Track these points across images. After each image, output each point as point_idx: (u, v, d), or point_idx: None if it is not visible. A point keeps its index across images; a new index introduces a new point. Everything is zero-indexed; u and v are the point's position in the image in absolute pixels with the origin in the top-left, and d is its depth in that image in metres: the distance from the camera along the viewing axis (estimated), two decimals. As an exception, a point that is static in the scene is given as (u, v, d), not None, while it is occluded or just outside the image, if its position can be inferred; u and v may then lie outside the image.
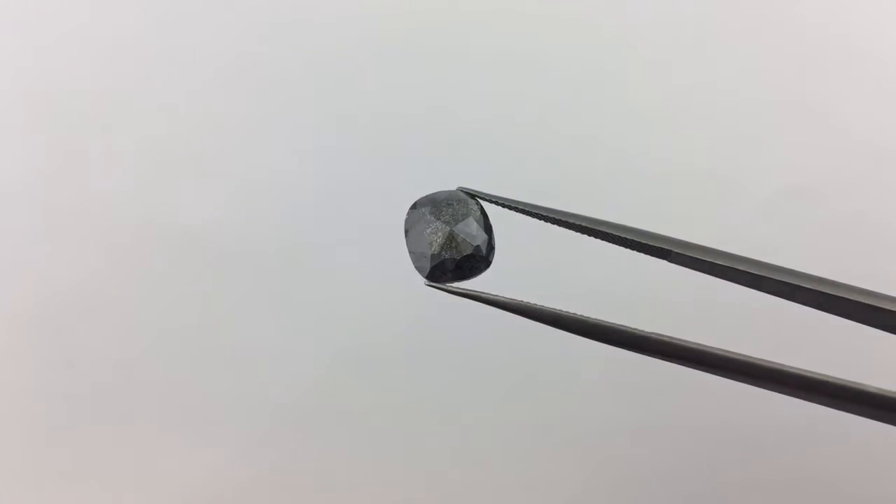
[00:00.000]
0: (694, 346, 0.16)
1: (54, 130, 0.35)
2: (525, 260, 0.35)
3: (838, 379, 0.15)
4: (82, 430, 0.37)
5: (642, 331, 0.16)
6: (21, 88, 0.35)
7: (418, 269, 0.19)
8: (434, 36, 0.35)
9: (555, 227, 0.18)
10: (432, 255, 0.18)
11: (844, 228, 0.36)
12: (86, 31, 0.35)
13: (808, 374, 0.15)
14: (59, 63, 0.35)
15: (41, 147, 0.35)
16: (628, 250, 0.18)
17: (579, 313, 0.16)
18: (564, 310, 0.17)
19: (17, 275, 0.36)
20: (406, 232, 0.19)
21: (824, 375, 0.15)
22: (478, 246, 0.18)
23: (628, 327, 0.16)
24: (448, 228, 0.18)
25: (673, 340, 0.16)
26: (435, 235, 0.18)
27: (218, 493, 0.37)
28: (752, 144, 0.36)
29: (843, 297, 0.16)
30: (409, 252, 0.19)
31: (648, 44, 0.36)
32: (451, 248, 0.18)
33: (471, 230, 0.18)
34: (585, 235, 0.18)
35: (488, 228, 0.19)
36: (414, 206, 0.19)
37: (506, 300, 0.17)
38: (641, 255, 0.17)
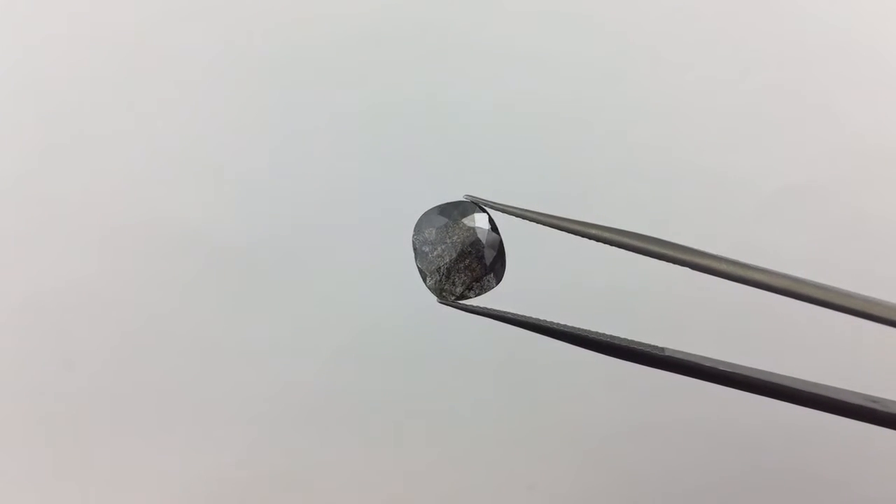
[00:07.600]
0: (705, 362, 0.16)
1: (53, 130, 0.35)
2: (534, 267, 0.35)
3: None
4: (82, 430, 0.37)
5: (657, 347, 0.16)
6: (19, 87, 0.35)
7: (429, 287, 0.18)
8: (437, 35, 0.35)
9: (565, 234, 0.18)
10: (441, 277, 0.18)
11: (845, 228, 0.36)
12: (84, 29, 0.35)
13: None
14: (58, 62, 0.35)
15: (40, 147, 0.35)
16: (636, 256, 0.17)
17: (592, 329, 0.17)
18: (578, 327, 0.17)
19: (16, 275, 0.36)
20: (415, 251, 0.18)
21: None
22: (488, 264, 0.18)
23: (644, 344, 0.16)
24: (457, 248, 0.18)
25: (686, 358, 0.16)
26: (443, 256, 0.18)
27: (218, 493, 0.37)
28: (752, 144, 0.36)
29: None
30: (419, 270, 0.18)
31: (650, 43, 0.36)
32: (461, 268, 0.18)
33: (480, 248, 0.18)
34: (596, 242, 0.18)
35: (498, 243, 0.18)
36: (421, 222, 0.18)
37: (517, 317, 0.17)
38: (649, 261, 0.17)
